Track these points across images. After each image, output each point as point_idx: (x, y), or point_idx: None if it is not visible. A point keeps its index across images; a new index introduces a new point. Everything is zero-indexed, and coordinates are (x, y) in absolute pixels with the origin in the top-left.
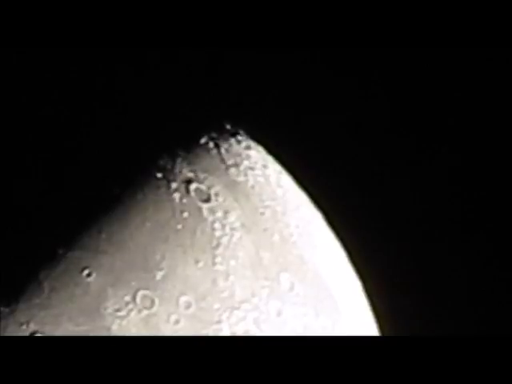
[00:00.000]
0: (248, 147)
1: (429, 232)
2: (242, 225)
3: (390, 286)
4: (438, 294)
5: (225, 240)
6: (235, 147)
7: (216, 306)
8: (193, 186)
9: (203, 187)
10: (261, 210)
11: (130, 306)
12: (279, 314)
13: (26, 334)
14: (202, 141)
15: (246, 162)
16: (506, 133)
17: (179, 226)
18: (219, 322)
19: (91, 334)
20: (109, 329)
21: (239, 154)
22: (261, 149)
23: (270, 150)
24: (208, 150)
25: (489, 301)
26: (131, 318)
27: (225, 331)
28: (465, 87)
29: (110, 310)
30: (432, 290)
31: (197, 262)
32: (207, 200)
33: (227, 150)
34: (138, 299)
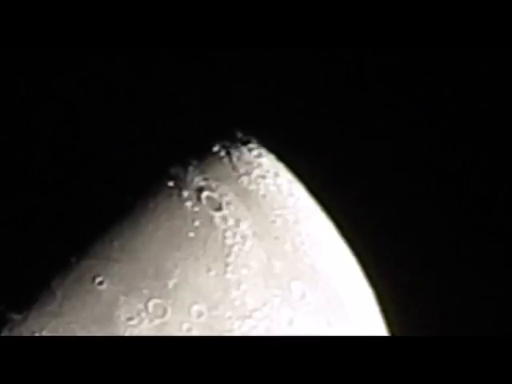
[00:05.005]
0: (260, 155)
1: (443, 241)
2: (254, 233)
3: (402, 294)
4: (451, 303)
5: (236, 248)
6: (247, 155)
7: (228, 314)
8: (204, 195)
9: (215, 195)
10: (272, 219)
11: (143, 314)
12: (291, 322)
13: None
14: (214, 149)
15: (257, 171)
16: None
17: (191, 235)
18: (231, 330)
19: None
20: None
21: (251, 163)
22: (272, 157)
23: (282, 159)
24: (220, 159)
25: (502, 302)
26: (143, 326)
27: None
28: (466, 85)
29: (122, 319)
30: (445, 297)
31: (209, 270)
32: (219, 208)
33: (239, 159)
34: (151, 308)
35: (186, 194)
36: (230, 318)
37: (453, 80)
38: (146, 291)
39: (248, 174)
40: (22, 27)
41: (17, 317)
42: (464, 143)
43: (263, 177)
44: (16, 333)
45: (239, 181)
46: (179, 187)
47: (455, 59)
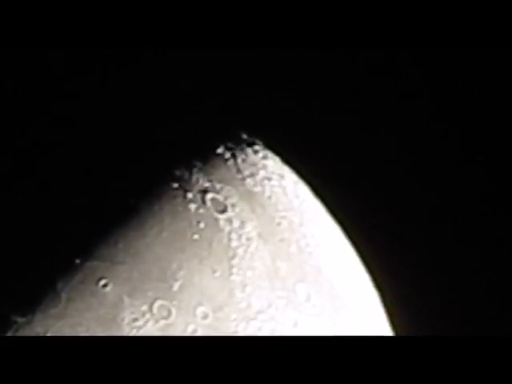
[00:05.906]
0: (265, 157)
1: (445, 241)
2: (259, 235)
3: (408, 295)
4: (454, 303)
5: (241, 250)
6: (252, 157)
7: (233, 316)
8: (209, 197)
9: (220, 197)
10: (277, 221)
11: (147, 316)
12: (295, 324)
13: None
14: (219, 151)
15: (262, 172)
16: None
17: (196, 237)
18: (236, 332)
19: None
20: None
21: (256, 164)
22: (277, 159)
23: (287, 160)
24: (224, 160)
25: (502, 302)
26: (148, 328)
27: None
28: (466, 85)
29: (127, 320)
30: (448, 298)
31: (213, 272)
32: (224, 210)
33: (244, 160)
34: (155, 309)
35: (190, 195)
36: (234, 319)
37: (453, 80)
38: (150, 293)
39: (253, 175)
40: (24, 27)
41: (21, 319)
42: (465, 143)
43: (268, 178)
44: (20, 335)
45: (244, 182)
46: (184, 189)
47: (455, 59)
